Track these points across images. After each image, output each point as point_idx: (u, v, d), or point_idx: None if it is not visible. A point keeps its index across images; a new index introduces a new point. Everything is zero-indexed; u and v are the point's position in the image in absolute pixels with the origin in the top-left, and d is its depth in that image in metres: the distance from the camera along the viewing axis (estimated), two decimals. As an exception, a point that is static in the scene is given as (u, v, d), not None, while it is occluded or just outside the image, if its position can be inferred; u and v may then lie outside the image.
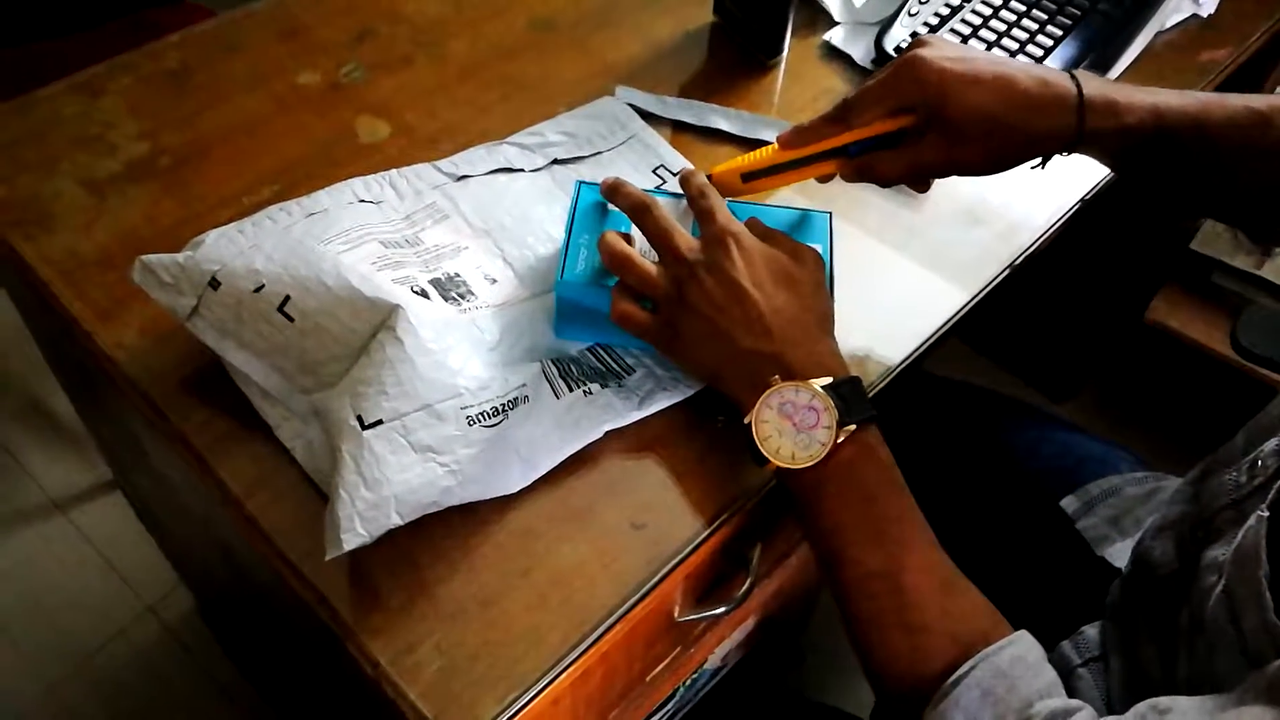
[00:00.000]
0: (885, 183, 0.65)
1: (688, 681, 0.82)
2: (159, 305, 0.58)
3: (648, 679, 0.71)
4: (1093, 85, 0.61)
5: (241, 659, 1.29)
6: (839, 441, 0.54)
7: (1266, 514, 0.50)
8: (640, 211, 0.61)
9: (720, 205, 0.61)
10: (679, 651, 0.73)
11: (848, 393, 0.55)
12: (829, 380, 0.55)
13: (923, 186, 0.66)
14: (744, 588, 0.68)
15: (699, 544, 0.57)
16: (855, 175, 0.65)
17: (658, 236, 0.60)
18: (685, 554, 0.57)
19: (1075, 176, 0.80)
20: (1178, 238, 1.39)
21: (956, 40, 0.84)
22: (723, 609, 0.67)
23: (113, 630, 1.35)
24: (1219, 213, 0.74)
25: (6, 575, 1.39)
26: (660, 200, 0.64)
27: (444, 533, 0.56)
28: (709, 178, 0.65)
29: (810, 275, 0.60)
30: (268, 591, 0.64)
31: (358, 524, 0.50)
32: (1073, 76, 0.61)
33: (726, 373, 0.58)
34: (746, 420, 0.56)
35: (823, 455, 0.54)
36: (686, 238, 0.60)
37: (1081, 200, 0.79)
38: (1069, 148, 0.63)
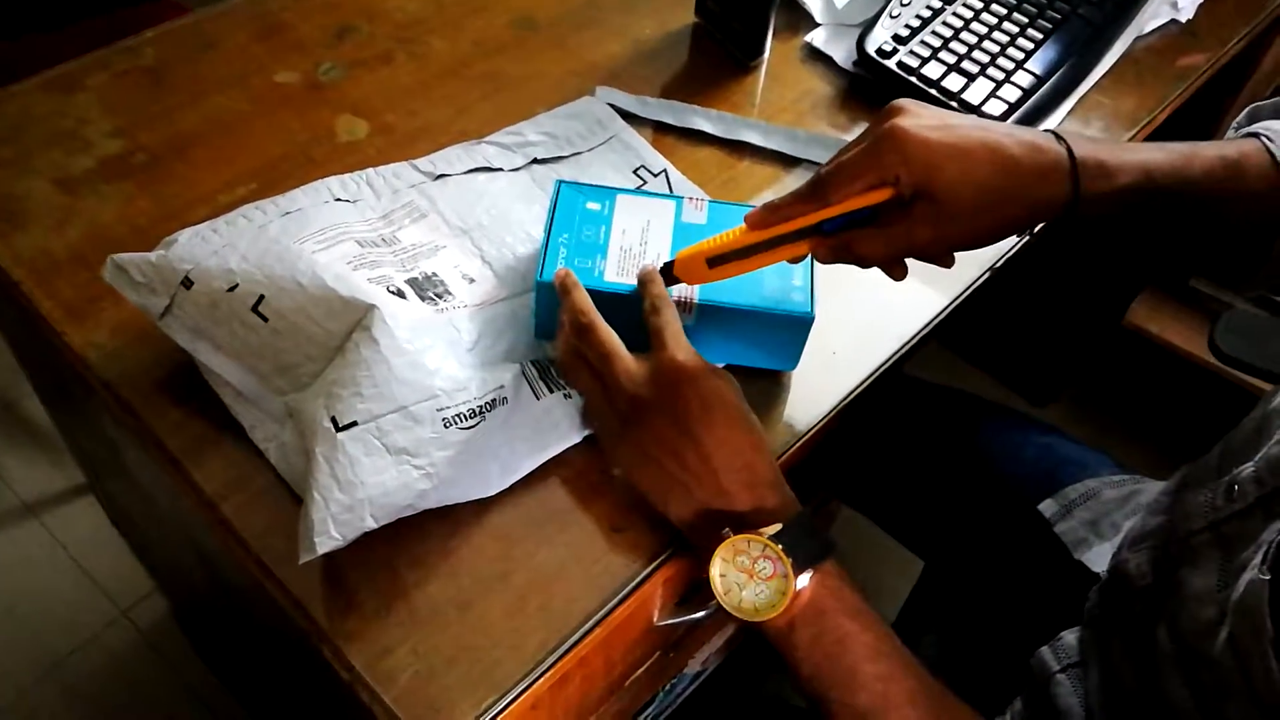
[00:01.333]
0: (865, 264, 0.59)
1: (667, 686, 0.82)
2: (132, 305, 0.57)
3: (627, 683, 0.70)
4: (1082, 147, 0.57)
5: (217, 664, 1.27)
6: (798, 590, 0.52)
7: (1267, 577, 0.48)
8: (581, 331, 0.57)
9: (672, 326, 0.57)
10: (658, 656, 0.72)
11: (798, 535, 0.53)
12: (778, 528, 0.53)
13: (899, 271, 0.60)
14: (724, 591, 0.68)
15: (678, 548, 0.57)
16: (832, 256, 0.59)
17: (599, 362, 0.57)
18: (664, 558, 0.56)
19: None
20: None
21: (938, 42, 0.84)
22: (702, 613, 0.67)
23: (85, 635, 1.33)
24: (1203, 257, 0.73)
25: (-23, 579, 1.37)
26: (639, 200, 0.64)
27: (421, 536, 0.55)
28: (670, 265, 0.60)
29: (737, 397, 0.57)
30: (243, 596, 0.63)
31: (331, 527, 0.49)
32: (1058, 137, 0.57)
33: (674, 512, 0.56)
34: (703, 575, 0.53)
35: (784, 604, 0.52)
36: (628, 366, 0.56)
37: (1062, 204, 0.79)
38: (1064, 214, 0.58)
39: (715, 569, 0.53)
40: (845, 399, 0.65)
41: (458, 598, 0.54)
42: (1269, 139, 0.60)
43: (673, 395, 0.55)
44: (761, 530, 0.53)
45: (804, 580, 0.53)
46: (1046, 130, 0.58)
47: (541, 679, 0.52)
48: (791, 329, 0.62)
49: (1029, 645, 0.69)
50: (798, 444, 0.62)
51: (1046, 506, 0.78)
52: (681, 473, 0.55)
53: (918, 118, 0.56)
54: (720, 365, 0.61)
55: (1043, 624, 0.70)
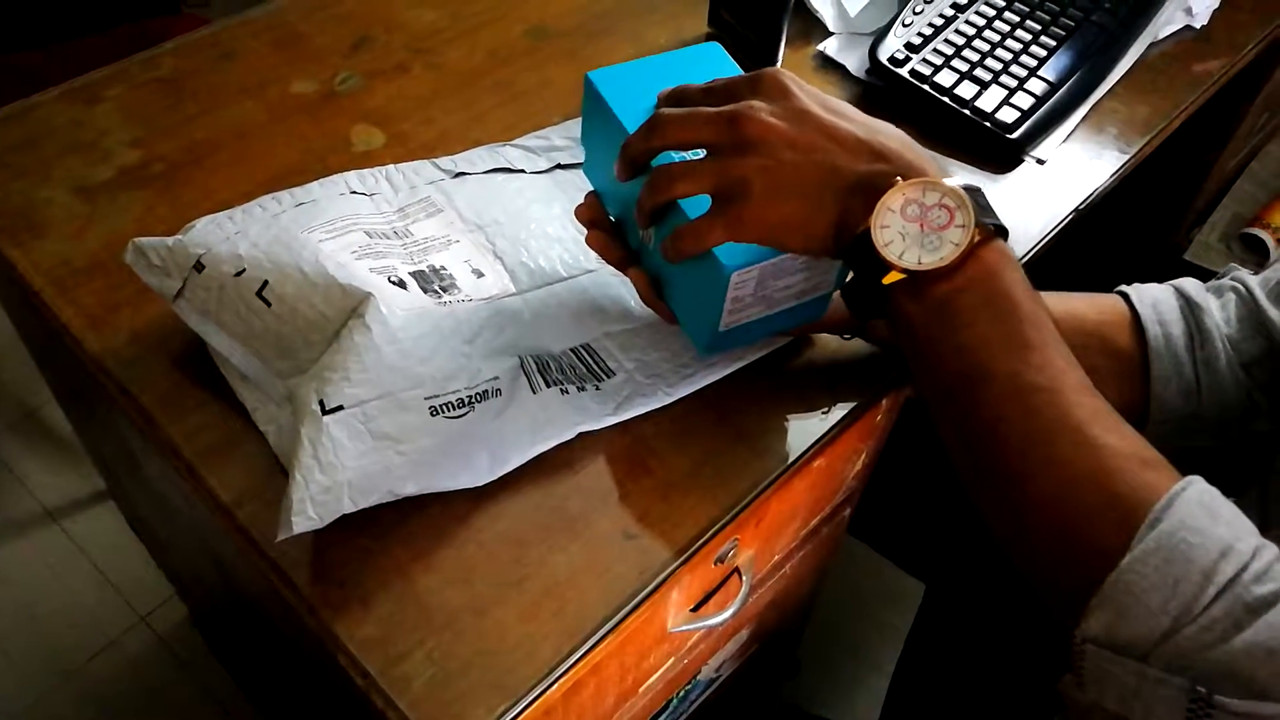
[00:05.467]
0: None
1: (681, 693, 0.82)
2: (149, 312, 0.58)
3: (641, 690, 0.70)
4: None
5: (234, 669, 1.28)
6: (976, 243, 0.47)
7: None
8: (671, 100, 0.54)
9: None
10: (673, 662, 0.72)
11: (980, 198, 0.49)
12: (962, 181, 0.49)
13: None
14: (738, 598, 0.68)
15: (692, 554, 0.57)
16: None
17: (694, 121, 0.51)
18: (678, 564, 0.57)
19: (1069, 187, 0.80)
20: (1171, 249, 1.39)
21: (950, 50, 0.84)
22: (717, 619, 0.67)
23: (104, 640, 1.35)
24: None
25: (-2, 584, 1.39)
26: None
27: (437, 542, 0.56)
28: None
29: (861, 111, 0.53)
30: (258, 601, 0.64)
31: (309, 507, 0.50)
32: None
33: (828, 208, 0.49)
34: (861, 229, 0.48)
35: (956, 255, 0.47)
36: (736, 89, 0.53)
37: (1075, 211, 0.79)
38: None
39: (879, 218, 0.47)
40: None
41: (472, 603, 0.54)
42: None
43: (777, 89, 0.52)
44: (939, 180, 0.48)
45: (982, 237, 0.48)
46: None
47: (555, 685, 0.52)
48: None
49: (1037, 666, 0.68)
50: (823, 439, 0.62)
51: None
52: (833, 146, 0.50)
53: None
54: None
55: (1050, 644, 0.69)
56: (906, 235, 0.48)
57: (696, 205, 0.53)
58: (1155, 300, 0.63)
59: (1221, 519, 0.44)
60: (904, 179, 0.48)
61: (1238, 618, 0.42)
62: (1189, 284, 0.63)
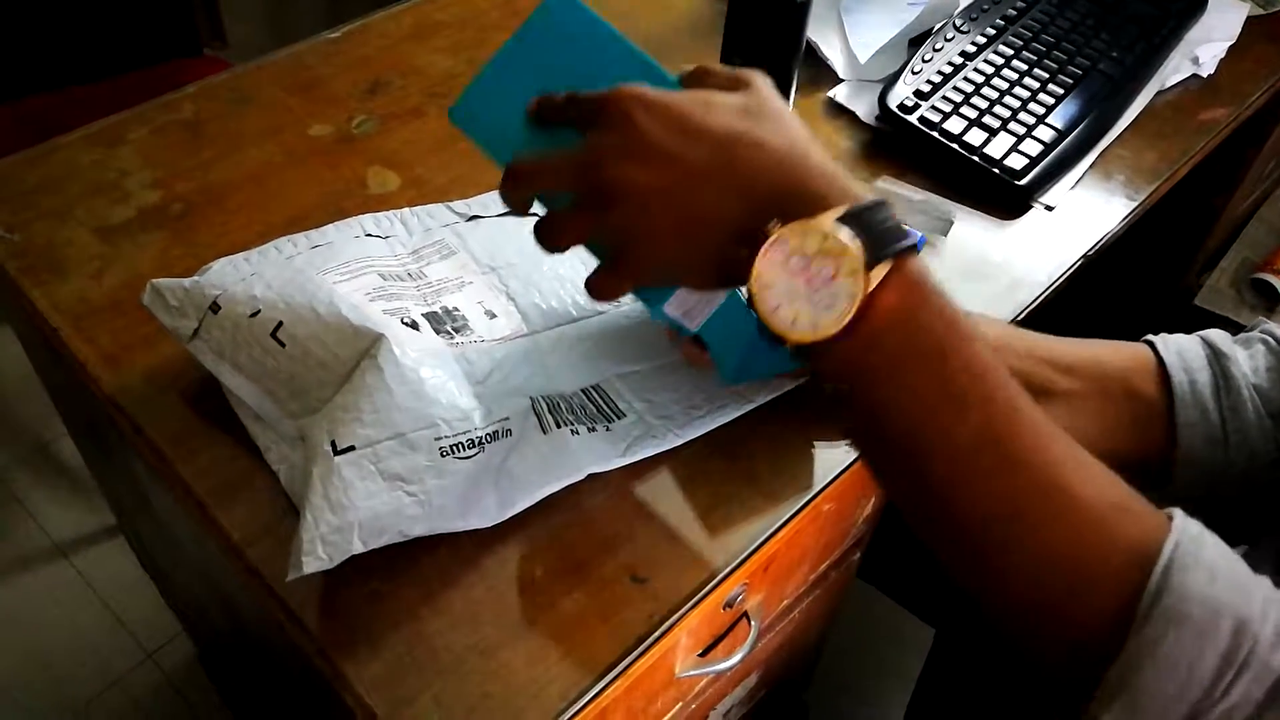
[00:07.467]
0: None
1: (689, 737, 0.81)
2: (164, 353, 0.59)
3: (648, 734, 0.70)
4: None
5: (241, 708, 1.27)
6: (873, 290, 0.40)
7: None
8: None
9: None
10: (680, 708, 0.72)
11: (871, 221, 0.41)
12: (843, 210, 0.41)
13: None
14: (746, 643, 0.67)
15: (700, 598, 0.57)
16: None
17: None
18: (686, 609, 0.56)
19: (1078, 233, 0.81)
20: (1181, 294, 1.39)
21: (959, 98, 0.85)
22: (725, 665, 0.66)
23: (111, 678, 1.34)
24: None
25: (6, 619, 1.38)
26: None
27: (445, 584, 0.56)
28: None
29: (770, 99, 0.46)
30: (266, 640, 0.64)
31: (319, 548, 0.50)
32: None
33: (714, 256, 0.44)
34: (745, 292, 0.42)
35: (853, 311, 0.40)
36: (571, 150, 0.47)
37: (1084, 256, 0.79)
38: None
39: (757, 280, 0.41)
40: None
41: (480, 645, 0.54)
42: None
43: (639, 100, 0.45)
44: (820, 216, 0.41)
45: (880, 278, 0.41)
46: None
47: (562, 729, 0.52)
48: None
49: (1047, 714, 0.67)
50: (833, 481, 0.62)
51: None
52: (693, 184, 0.44)
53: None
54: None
55: (1058, 696, 0.68)
56: (795, 295, 0.41)
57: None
58: (1181, 348, 0.62)
59: (1220, 577, 0.40)
60: (783, 217, 0.42)
61: (1259, 700, 0.38)
62: (1216, 334, 0.63)
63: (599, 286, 0.49)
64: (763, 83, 0.49)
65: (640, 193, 0.44)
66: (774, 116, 0.46)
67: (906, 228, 0.42)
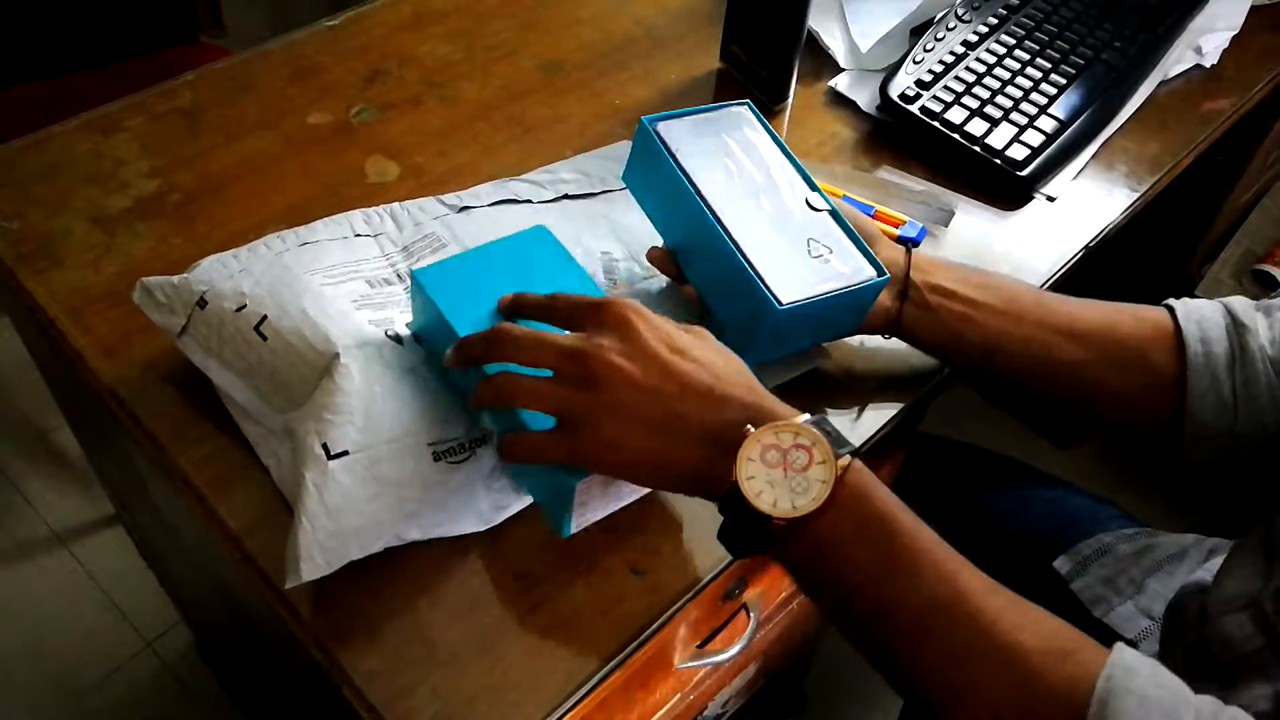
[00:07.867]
0: None
1: (687, 728, 0.81)
2: (162, 342, 0.59)
3: (647, 725, 0.70)
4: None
5: (239, 697, 1.28)
6: (840, 476, 0.47)
7: None
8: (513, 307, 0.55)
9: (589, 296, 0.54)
10: (679, 699, 0.72)
11: (826, 425, 0.49)
12: (804, 416, 0.49)
13: None
14: (745, 634, 0.67)
15: (699, 590, 0.57)
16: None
17: (535, 345, 0.51)
18: (685, 600, 0.56)
19: (1080, 224, 0.80)
20: (1182, 285, 1.39)
21: (961, 88, 0.85)
22: (723, 656, 0.66)
23: (111, 666, 1.34)
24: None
25: (5, 608, 1.39)
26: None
27: (443, 577, 0.56)
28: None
29: (714, 342, 0.54)
30: (265, 630, 0.64)
31: (317, 554, 0.50)
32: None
33: (678, 457, 0.50)
34: (729, 486, 0.48)
35: (827, 494, 0.47)
36: (563, 335, 0.52)
37: (1085, 247, 0.79)
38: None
39: (743, 469, 0.48)
40: (867, 442, 0.65)
41: (478, 638, 0.54)
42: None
43: (627, 329, 0.51)
44: (789, 419, 0.49)
45: (842, 469, 0.48)
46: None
47: (560, 721, 0.52)
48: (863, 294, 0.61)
49: None
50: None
51: (1061, 564, 0.77)
52: (678, 391, 0.50)
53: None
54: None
55: None
56: (774, 482, 0.47)
57: (537, 415, 0.52)
58: (1202, 317, 0.62)
59: (1152, 705, 0.43)
60: (754, 424, 0.49)
61: None
62: (1238, 302, 0.63)
63: (538, 448, 0.52)
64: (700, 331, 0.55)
65: (631, 385, 0.49)
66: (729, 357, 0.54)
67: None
